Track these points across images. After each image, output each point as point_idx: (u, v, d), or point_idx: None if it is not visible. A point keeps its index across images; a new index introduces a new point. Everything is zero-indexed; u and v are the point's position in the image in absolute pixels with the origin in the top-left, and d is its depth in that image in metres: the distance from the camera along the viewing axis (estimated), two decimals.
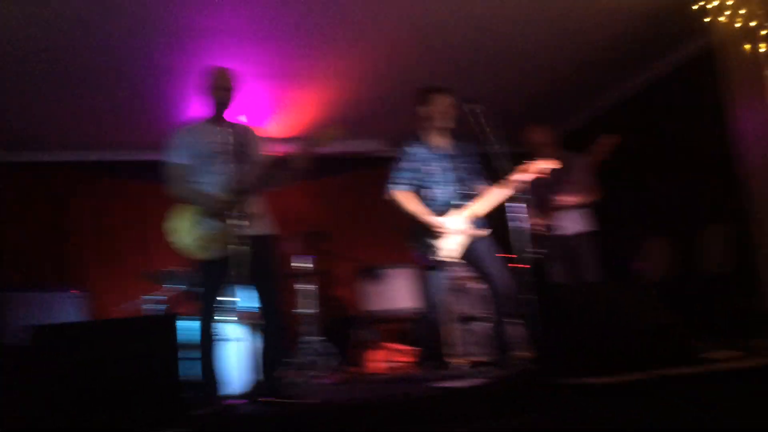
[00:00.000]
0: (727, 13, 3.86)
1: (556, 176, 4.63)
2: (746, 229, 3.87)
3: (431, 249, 3.85)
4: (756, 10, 3.69)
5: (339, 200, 6.95)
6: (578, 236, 4.64)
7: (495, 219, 4.01)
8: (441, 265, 3.87)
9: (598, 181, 4.70)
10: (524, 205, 3.72)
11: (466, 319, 5.25)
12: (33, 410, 2.32)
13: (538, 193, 4.74)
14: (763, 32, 3.66)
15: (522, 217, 3.62)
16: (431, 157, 3.97)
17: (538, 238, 4.51)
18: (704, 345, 3.30)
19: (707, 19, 4.12)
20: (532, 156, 4.78)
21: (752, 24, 3.70)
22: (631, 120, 5.80)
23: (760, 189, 3.78)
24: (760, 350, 3.06)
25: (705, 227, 4.86)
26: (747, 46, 3.71)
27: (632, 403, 2.64)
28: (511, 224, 3.64)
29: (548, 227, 4.49)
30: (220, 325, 3.44)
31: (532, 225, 4.49)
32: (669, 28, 4.78)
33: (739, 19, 3.79)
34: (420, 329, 4.01)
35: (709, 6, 4.07)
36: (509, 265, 3.94)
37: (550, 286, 4.46)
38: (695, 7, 4.18)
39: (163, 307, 4.96)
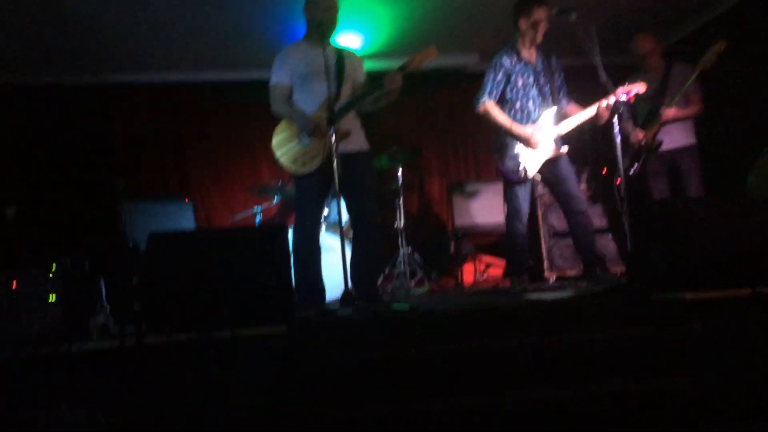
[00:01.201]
0: None
1: (658, 86, 4.40)
2: None
3: (516, 162, 3.85)
4: None
5: (431, 117, 6.91)
6: (681, 150, 4.43)
7: (590, 132, 3.91)
8: (524, 178, 3.87)
9: (705, 92, 4.41)
10: (622, 118, 3.58)
11: (556, 233, 5.22)
12: (158, 309, 2.59)
13: (640, 105, 4.54)
14: None
15: (619, 130, 3.50)
16: (522, 70, 3.93)
17: (639, 152, 4.36)
18: None
19: None
20: (636, 68, 4.56)
21: None
22: (743, 26, 5.31)
23: None
24: None
25: None
26: None
27: (728, 319, 2.60)
28: (610, 137, 3.53)
29: (651, 140, 4.31)
30: (318, 235, 3.64)
31: (633, 138, 4.34)
32: None
33: None
34: (507, 242, 4.06)
35: None
36: (604, 179, 3.87)
37: (648, 202, 4.33)
38: None
39: (259, 218, 5.27)
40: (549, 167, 3.90)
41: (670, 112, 4.32)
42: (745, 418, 2.18)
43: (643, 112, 4.54)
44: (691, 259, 2.85)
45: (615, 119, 3.53)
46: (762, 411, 2.19)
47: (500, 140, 3.96)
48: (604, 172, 3.92)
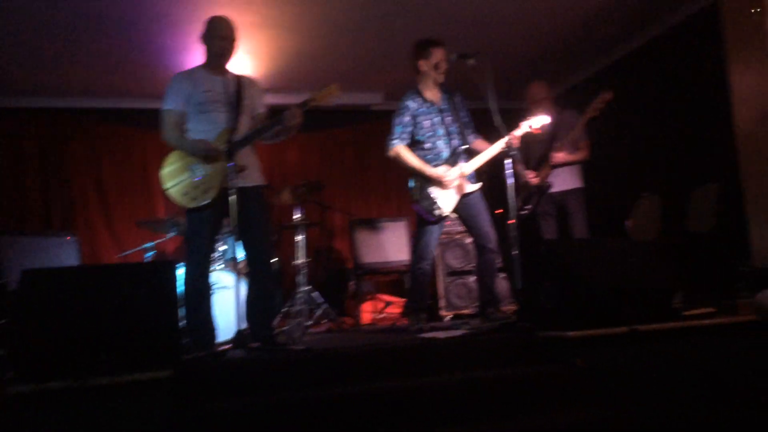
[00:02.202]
0: None
1: (550, 132, 4.64)
2: (737, 189, 3.89)
3: (431, 203, 3.92)
4: None
5: (335, 153, 6.96)
6: (569, 193, 4.68)
7: (486, 174, 4.05)
8: (440, 218, 3.94)
9: (592, 138, 4.70)
10: (517, 160, 3.73)
11: (453, 272, 5.34)
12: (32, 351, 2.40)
13: (532, 149, 4.77)
14: None
15: (514, 173, 3.65)
16: (427, 111, 4.01)
17: (529, 193, 4.55)
18: (690, 302, 3.39)
19: None
20: (528, 112, 4.79)
21: None
22: (630, 77, 5.75)
23: (750, 150, 3.79)
24: (739, 308, 3.13)
25: (697, 186, 4.88)
26: (750, 7, 3.66)
27: (608, 355, 2.72)
28: (503, 179, 3.66)
29: (540, 183, 4.52)
30: (210, 272, 3.52)
31: (524, 180, 4.53)
32: None
33: None
34: (411, 281, 4.09)
35: None
36: (499, 219, 4.00)
37: (538, 241, 4.52)
38: None
39: (151, 254, 5.04)
40: (463, 204, 3.96)
41: (559, 155, 4.55)
42: None
43: (534, 156, 4.76)
44: (575, 297, 2.99)
45: (508, 162, 3.67)
46: None
47: (414, 182, 4.00)
48: (497, 212, 4.05)
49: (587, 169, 4.79)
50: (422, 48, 4.00)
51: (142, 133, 6.26)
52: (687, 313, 3.09)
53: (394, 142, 3.98)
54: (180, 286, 2.99)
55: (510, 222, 3.71)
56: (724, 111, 3.93)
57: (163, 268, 2.71)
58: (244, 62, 5.61)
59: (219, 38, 3.43)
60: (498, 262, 4.06)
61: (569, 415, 2.43)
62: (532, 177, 4.53)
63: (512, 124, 3.90)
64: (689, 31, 5.04)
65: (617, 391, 2.64)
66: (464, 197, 3.96)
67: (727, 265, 3.79)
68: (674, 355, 2.73)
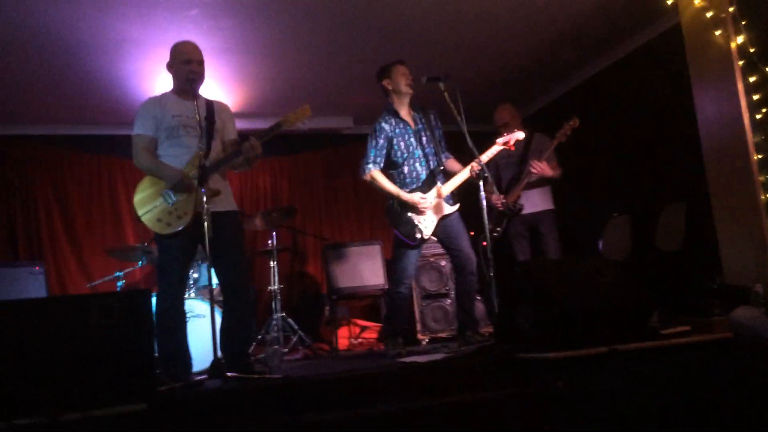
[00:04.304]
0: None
1: (519, 155, 4.70)
2: (707, 208, 3.98)
3: (412, 227, 3.90)
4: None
5: (306, 178, 6.94)
6: (540, 214, 4.72)
7: (459, 196, 4.07)
8: (421, 242, 3.92)
9: (561, 160, 4.77)
10: (487, 182, 3.77)
11: (429, 295, 5.33)
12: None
13: (503, 172, 4.82)
14: (722, 15, 3.73)
15: (486, 195, 3.68)
16: (402, 132, 4.01)
17: (501, 215, 4.58)
18: (664, 321, 3.43)
19: (672, 2, 4.17)
20: (498, 135, 4.85)
21: (712, 13, 3.77)
22: (597, 99, 5.87)
23: (716, 168, 3.88)
24: (714, 325, 3.17)
25: (664, 204, 4.98)
26: (712, 31, 3.78)
27: (588, 376, 2.73)
28: (476, 201, 3.69)
29: (511, 205, 4.56)
30: (184, 301, 3.45)
31: (495, 203, 4.56)
32: (638, 8, 4.82)
33: (702, 2, 3.86)
34: (388, 305, 4.07)
35: None
36: (474, 242, 4.01)
37: (511, 263, 4.54)
38: None
39: (121, 283, 4.93)
40: (442, 226, 3.95)
41: (540, 165, 4.56)
42: None
43: (505, 178, 4.81)
44: (552, 318, 3.00)
45: (480, 183, 3.70)
46: None
47: (392, 206, 3.97)
48: (471, 234, 4.07)
49: (557, 190, 4.85)
50: (383, 69, 4.05)
51: (110, 160, 6.18)
52: (664, 332, 3.12)
53: (369, 166, 3.97)
54: (154, 315, 2.93)
55: (484, 244, 3.73)
56: (691, 130, 4.03)
57: (138, 297, 2.64)
58: (213, 88, 5.58)
59: (186, 63, 3.40)
60: (477, 286, 4.06)
61: None
62: (497, 200, 4.54)
63: (483, 147, 3.94)
64: (656, 52, 5.17)
65: (598, 411, 2.64)
66: (443, 219, 3.95)
67: (699, 283, 3.85)
68: (653, 374, 2.74)
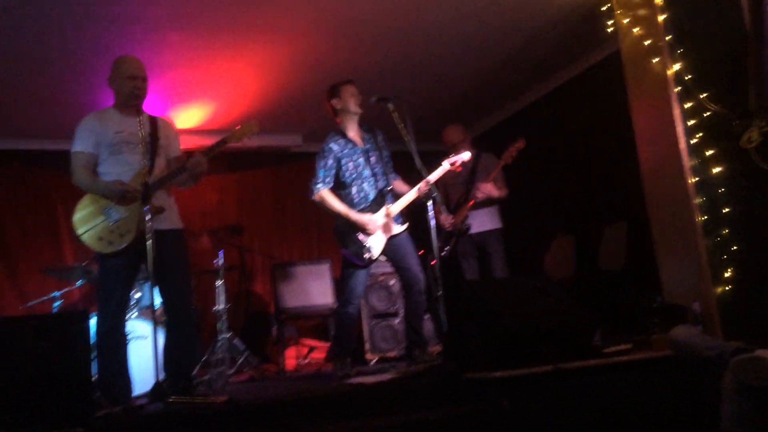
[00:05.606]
0: (632, 27, 4.06)
1: (467, 175, 4.77)
2: (647, 228, 4.10)
3: (360, 247, 3.88)
4: (655, 28, 3.91)
5: (254, 195, 6.86)
6: (488, 233, 4.79)
7: (407, 216, 4.09)
8: (369, 262, 3.91)
9: (507, 180, 4.85)
10: (436, 202, 3.80)
11: (377, 314, 5.32)
12: None
13: (450, 192, 4.88)
14: (659, 43, 3.88)
15: (434, 215, 3.70)
16: (351, 152, 4.00)
17: (449, 235, 4.62)
18: (607, 339, 3.51)
19: (612, 29, 4.32)
20: (446, 154, 4.91)
21: (650, 41, 3.92)
22: (542, 121, 6.02)
23: (654, 191, 4.01)
24: (654, 343, 3.26)
25: (606, 225, 5.12)
26: (650, 58, 3.92)
27: (533, 394, 2.76)
28: (424, 221, 3.71)
29: (459, 224, 4.61)
30: (125, 322, 3.35)
31: (443, 223, 4.60)
32: (582, 34, 4.98)
33: (640, 30, 4.00)
34: (336, 326, 4.04)
35: (615, 19, 4.26)
36: (422, 261, 4.03)
37: (459, 282, 4.58)
38: (604, 8, 4.34)
39: (58, 304, 4.73)
40: (391, 245, 3.94)
41: (486, 186, 4.63)
42: None
43: (454, 198, 4.87)
44: (498, 337, 3.02)
45: (429, 203, 3.73)
46: None
47: (341, 226, 3.94)
48: (420, 253, 4.09)
49: (504, 210, 4.93)
50: (332, 89, 4.04)
51: (48, 176, 5.94)
52: (606, 350, 3.18)
53: (318, 186, 3.95)
54: (92, 337, 2.83)
55: (433, 263, 3.74)
56: (632, 152, 4.16)
57: (75, 318, 2.55)
58: (158, 103, 5.48)
59: (129, 78, 3.32)
60: (425, 305, 4.07)
61: None
62: (446, 220, 4.58)
63: (432, 167, 3.97)
64: (598, 77, 5.34)
65: (543, 429, 2.67)
66: (392, 239, 3.95)
67: (640, 302, 3.95)
68: (596, 392, 2.80)
